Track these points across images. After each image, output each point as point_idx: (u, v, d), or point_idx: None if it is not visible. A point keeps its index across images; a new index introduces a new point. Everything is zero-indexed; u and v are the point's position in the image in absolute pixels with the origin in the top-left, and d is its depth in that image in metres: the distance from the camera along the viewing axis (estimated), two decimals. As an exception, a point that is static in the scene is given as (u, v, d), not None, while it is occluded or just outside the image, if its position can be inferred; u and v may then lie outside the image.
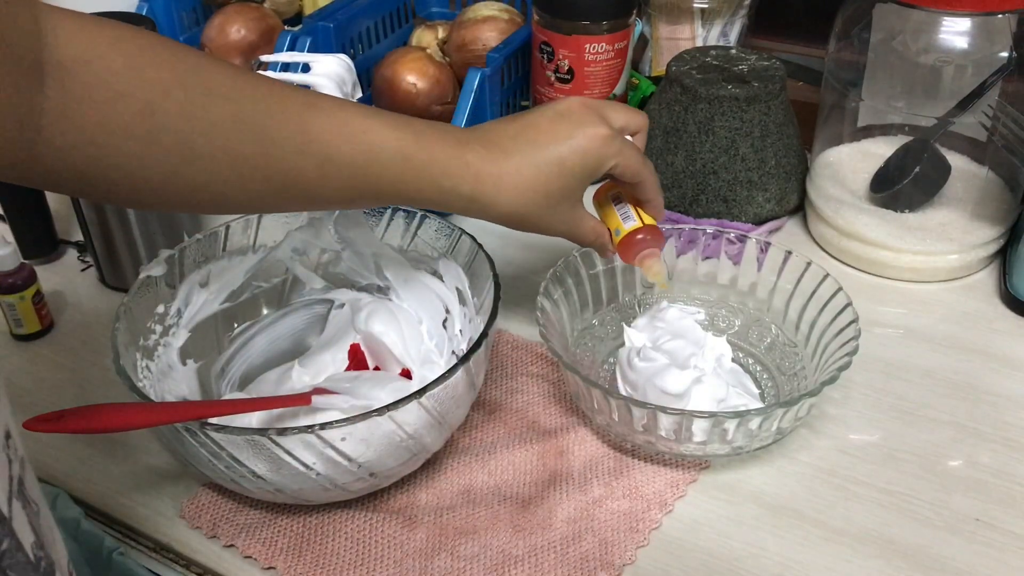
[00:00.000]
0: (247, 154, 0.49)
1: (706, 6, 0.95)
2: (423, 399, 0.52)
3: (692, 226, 0.71)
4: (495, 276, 0.61)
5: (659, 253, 0.63)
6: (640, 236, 0.62)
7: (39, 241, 0.83)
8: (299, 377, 0.66)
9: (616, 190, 0.64)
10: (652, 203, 0.63)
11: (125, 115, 0.45)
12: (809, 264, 0.67)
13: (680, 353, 0.64)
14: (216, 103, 0.48)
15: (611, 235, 0.63)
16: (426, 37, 0.99)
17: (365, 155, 0.53)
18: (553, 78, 0.88)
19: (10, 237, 0.78)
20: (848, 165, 0.84)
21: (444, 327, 0.68)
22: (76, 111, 0.44)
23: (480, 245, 0.64)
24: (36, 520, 0.36)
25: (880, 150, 0.83)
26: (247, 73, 0.51)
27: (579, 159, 0.57)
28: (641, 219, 0.63)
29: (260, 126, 0.50)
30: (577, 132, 0.57)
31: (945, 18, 0.73)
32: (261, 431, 0.50)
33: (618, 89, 0.90)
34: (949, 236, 0.77)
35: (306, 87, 0.78)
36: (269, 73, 0.86)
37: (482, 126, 0.59)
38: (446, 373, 0.53)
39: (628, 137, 0.61)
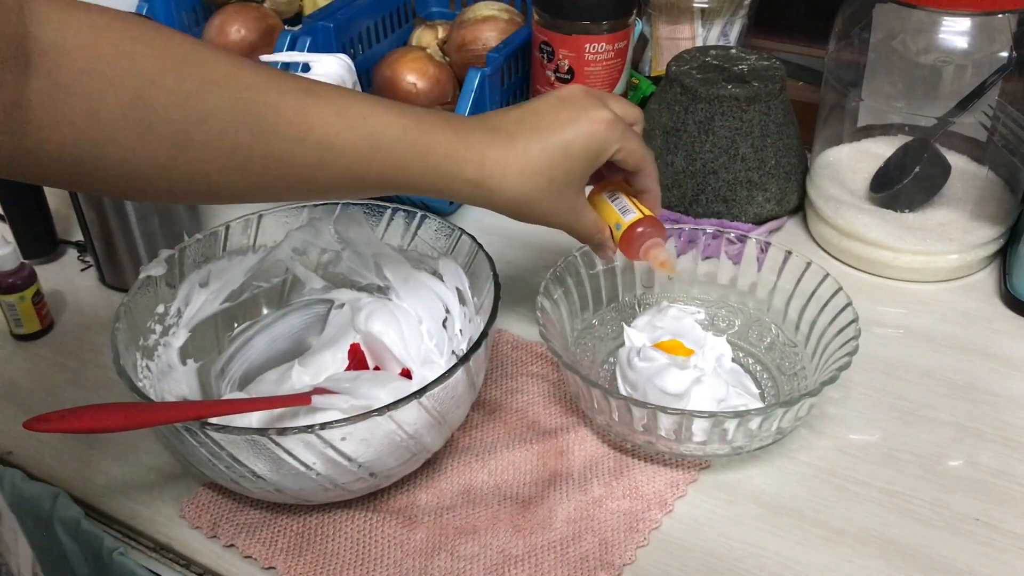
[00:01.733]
0: (244, 143, 0.49)
1: (706, 6, 0.95)
2: (423, 399, 0.52)
3: (692, 226, 0.71)
4: (495, 276, 0.61)
5: (663, 243, 0.62)
6: (641, 229, 0.61)
7: (39, 241, 0.83)
8: (299, 377, 0.66)
9: (611, 187, 0.64)
10: (651, 193, 0.62)
11: (115, 104, 0.44)
12: (809, 264, 0.67)
13: (680, 353, 0.64)
14: (211, 91, 0.47)
15: (612, 232, 0.63)
16: (426, 37, 0.99)
17: (366, 141, 0.52)
18: (553, 78, 0.88)
19: (10, 237, 0.78)
20: (848, 165, 0.84)
21: (444, 327, 0.68)
22: (64, 101, 0.43)
23: (480, 245, 0.64)
24: None
25: (880, 150, 0.83)
26: (242, 60, 0.50)
27: (584, 142, 0.57)
28: (641, 211, 0.62)
29: (257, 114, 0.49)
30: (581, 116, 0.57)
31: (945, 18, 0.73)
32: (261, 431, 0.50)
33: (618, 89, 0.90)
34: (949, 236, 0.77)
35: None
36: None
37: (483, 114, 0.59)
38: (446, 373, 0.53)
39: None
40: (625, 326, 0.68)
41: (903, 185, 0.78)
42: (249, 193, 0.52)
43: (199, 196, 0.51)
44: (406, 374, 0.66)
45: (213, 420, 0.51)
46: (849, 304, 0.63)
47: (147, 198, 0.52)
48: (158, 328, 0.63)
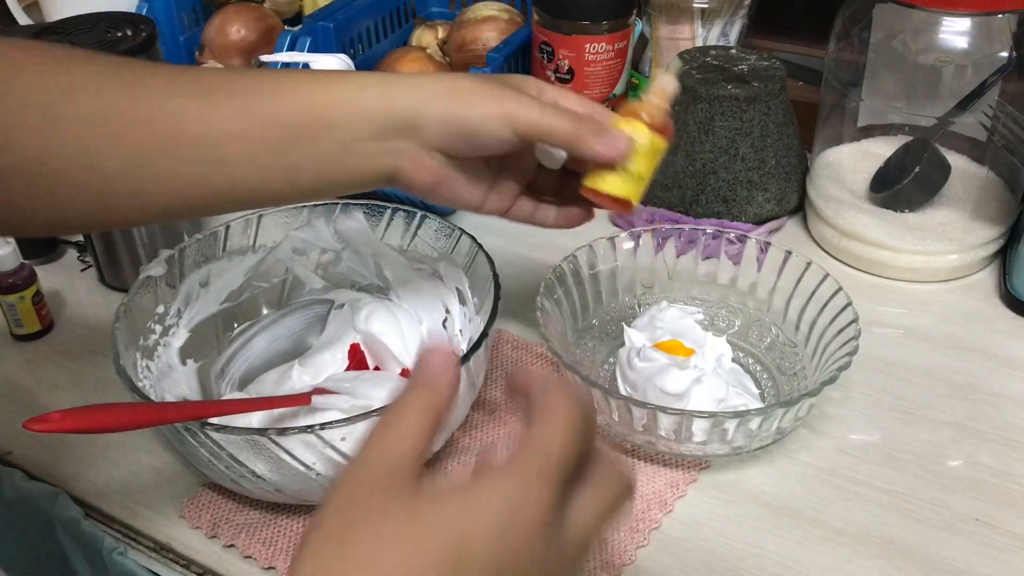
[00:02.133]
0: (119, 109, 0.46)
1: (706, 6, 0.95)
2: (423, 399, 0.52)
3: (692, 226, 0.71)
4: (495, 276, 0.61)
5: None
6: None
7: (39, 241, 0.83)
8: (299, 377, 0.66)
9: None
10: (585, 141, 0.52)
11: None
12: (809, 264, 0.67)
13: (680, 353, 0.64)
14: (74, 66, 0.47)
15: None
16: (426, 37, 0.99)
17: (254, 75, 0.49)
18: (553, 78, 0.88)
19: (10, 237, 0.78)
20: (848, 165, 0.84)
21: (444, 327, 0.68)
22: None
23: (480, 245, 0.64)
24: None
25: (880, 150, 0.83)
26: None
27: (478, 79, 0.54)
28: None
29: (128, 79, 0.47)
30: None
31: (945, 18, 0.73)
32: (261, 431, 0.50)
33: (618, 89, 0.90)
34: (949, 236, 0.77)
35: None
36: None
37: None
38: (446, 373, 0.53)
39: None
40: (625, 326, 0.68)
41: (903, 185, 0.78)
42: (136, 173, 0.47)
43: (78, 179, 0.46)
44: (406, 374, 0.66)
45: (213, 420, 0.51)
46: (849, 304, 0.63)
47: (44, 222, 0.49)
48: (158, 328, 0.63)
